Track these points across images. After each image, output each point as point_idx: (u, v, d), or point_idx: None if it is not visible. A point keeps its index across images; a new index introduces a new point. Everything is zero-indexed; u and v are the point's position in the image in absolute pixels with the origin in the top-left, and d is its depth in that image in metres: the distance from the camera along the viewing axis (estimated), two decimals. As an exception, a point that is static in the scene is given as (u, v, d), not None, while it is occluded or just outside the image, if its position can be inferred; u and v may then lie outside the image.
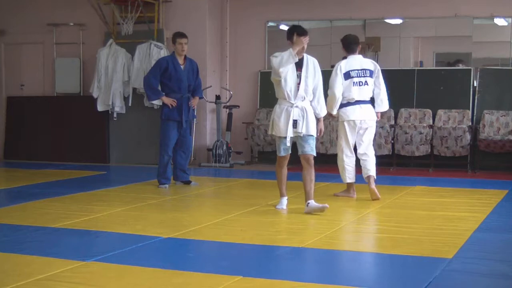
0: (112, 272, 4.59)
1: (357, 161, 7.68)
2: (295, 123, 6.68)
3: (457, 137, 9.99)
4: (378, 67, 7.55)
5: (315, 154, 6.86)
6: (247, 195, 8.00)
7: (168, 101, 8.40)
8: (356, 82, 7.44)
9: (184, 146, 8.69)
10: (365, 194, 7.52)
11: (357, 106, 7.48)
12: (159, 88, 8.55)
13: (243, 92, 11.65)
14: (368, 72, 7.48)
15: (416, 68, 10.88)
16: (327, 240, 5.51)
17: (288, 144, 6.86)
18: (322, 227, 5.96)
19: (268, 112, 11.35)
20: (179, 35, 8.55)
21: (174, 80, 8.47)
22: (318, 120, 6.87)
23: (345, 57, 7.58)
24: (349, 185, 7.66)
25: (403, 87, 10.64)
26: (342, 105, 7.52)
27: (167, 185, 8.55)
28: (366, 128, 7.54)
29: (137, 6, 11.02)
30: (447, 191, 8.15)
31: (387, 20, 11.03)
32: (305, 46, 6.58)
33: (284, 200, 7.00)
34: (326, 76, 7.29)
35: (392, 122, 10.51)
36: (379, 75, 7.54)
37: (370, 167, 7.50)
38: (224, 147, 10.91)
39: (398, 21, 11.01)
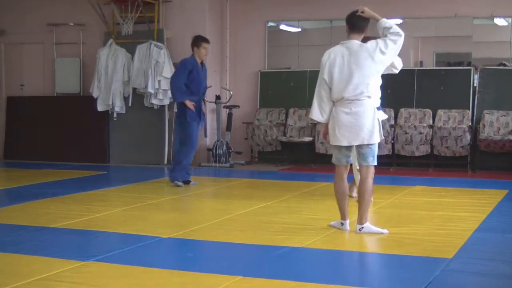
0: (112, 272, 4.59)
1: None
2: None
3: (457, 137, 9.99)
4: None
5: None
6: (247, 195, 8.00)
7: (190, 104, 8.43)
8: None
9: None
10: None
11: None
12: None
13: (243, 92, 11.65)
14: None
15: (416, 68, 10.87)
16: (327, 240, 5.51)
17: None
18: (322, 227, 5.96)
19: (268, 112, 11.36)
20: (204, 39, 8.60)
21: (196, 83, 8.54)
22: None
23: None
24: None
25: (403, 87, 10.62)
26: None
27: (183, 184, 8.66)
28: None
29: (137, 6, 11.02)
30: (447, 191, 8.15)
31: (387, 20, 11.02)
32: None
33: None
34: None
35: (392, 122, 10.50)
36: None
37: None
38: (224, 147, 10.90)
39: (398, 21, 10.98)
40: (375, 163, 5.74)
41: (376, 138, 5.69)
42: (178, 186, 8.54)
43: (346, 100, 5.67)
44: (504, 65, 10.48)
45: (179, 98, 8.57)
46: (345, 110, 5.69)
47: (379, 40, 5.75)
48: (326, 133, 5.88)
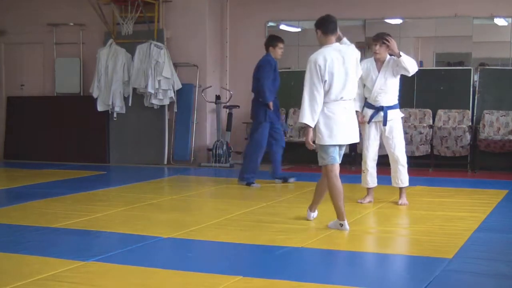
0: (112, 272, 4.59)
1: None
2: None
3: (457, 137, 9.99)
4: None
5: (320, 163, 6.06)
6: (247, 195, 8.00)
7: (272, 105, 8.43)
8: None
9: (282, 141, 8.74)
10: (364, 194, 7.50)
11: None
12: None
13: (243, 92, 11.62)
14: None
15: (416, 68, 10.86)
16: (327, 240, 5.51)
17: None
18: (322, 227, 5.96)
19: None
20: (281, 39, 8.57)
21: (277, 82, 8.54)
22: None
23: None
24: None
25: (403, 87, 10.56)
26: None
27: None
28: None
29: (137, 6, 11.02)
30: (447, 191, 8.15)
31: (387, 20, 11.03)
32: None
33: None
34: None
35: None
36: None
37: None
38: (224, 147, 10.90)
39: (398, 21, 11.01)
40: None
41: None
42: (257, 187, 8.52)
43: (343, 100, 5.80)
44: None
45: (270, 98, 8.42)
46: (340, 109, 5.81)
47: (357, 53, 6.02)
48: (311, 138, 5.83)
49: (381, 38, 7.04)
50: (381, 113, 7.02)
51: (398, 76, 7.10)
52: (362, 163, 7.27)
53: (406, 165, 7.15)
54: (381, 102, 7.02)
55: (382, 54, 7.05)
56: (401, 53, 6.91)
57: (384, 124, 7.03)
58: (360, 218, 6.50)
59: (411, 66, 6.91)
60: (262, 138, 8.54)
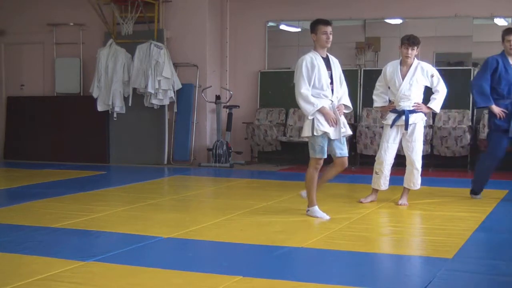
0: (112, 272, 4.59)
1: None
2: None
3: (457, 137, 9.99)
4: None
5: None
6: (247, 195, 8.00)
7: (498, 111, 7.20)
8: None
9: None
10: (364, 194, 7.50)
11: None
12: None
13: (243, 92, 11.64)
14: None
15: (416, 68, 10.85)
16: (327, 240, 5.51)
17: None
18: (322, 227, 5.96)
19: (268, 112, 11.36)
20: (507, 31, 7.49)
21: (504, 84, 7.24)
22: None
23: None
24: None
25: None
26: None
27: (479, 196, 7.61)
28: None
29: (137, 6, 11.02)
30: (447, 191, 8.15)
31: (387, 20, 11.03)
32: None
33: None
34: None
35: (392, 122, 10.48)
36: None
37: None
38: (224, 147, 10.90)
39: (398, 21, 11.01)
40: (314, 156, 6.37)
41: (304, 133, 6.43)
42: (476, 198, 7.58)
43: None
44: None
45: (480, 102, 7.34)
46: None
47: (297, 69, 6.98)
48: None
49: (413, 43, 7.07)
50: (403, 117, 6.99)
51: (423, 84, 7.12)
52: (376, 164, 7.27)
53: (420, 169, 7.19)
54: (404, 107, 7.00)
55: (412, 58, 7.02)
56: (432, 103, 7.20)
57: (406, 128, 7.01)
58: (360, 217, 6.50)
59: (439, 90, 7.27)
60: (493, 147, 7.43)
